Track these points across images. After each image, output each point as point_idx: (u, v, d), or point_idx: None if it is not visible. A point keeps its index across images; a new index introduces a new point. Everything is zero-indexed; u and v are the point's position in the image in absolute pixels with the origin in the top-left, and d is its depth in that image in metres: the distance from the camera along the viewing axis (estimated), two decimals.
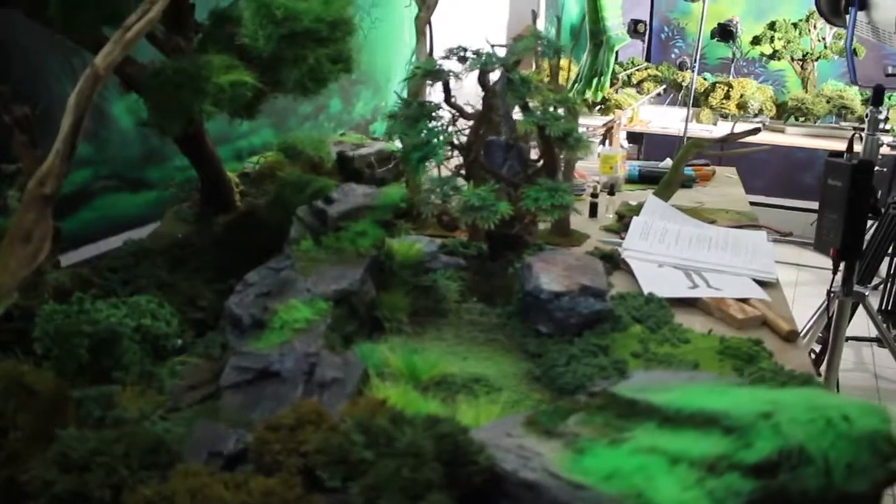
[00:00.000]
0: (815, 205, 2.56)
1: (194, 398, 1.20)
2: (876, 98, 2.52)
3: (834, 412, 0.70)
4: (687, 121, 4.86)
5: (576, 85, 4.49)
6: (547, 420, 0.92)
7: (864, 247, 3.50)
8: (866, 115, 2.57)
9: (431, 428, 0.85)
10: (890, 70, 3.36)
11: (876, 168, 2.58)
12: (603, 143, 4.96)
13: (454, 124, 1.84)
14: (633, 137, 5.92)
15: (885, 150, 3.96)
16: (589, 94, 4.60)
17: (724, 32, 5.46)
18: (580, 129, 1.79)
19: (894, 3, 2.19)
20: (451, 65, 1.81)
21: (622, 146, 5.67)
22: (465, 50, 1.77)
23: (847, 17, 2.47)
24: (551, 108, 1.77)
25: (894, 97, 4.87)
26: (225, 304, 1.35)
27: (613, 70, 5.11)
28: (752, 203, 2.83)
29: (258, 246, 1.64)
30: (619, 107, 5.16)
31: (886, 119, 2.61)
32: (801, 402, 0.72)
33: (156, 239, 1.85)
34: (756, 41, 5.65)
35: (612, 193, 2.55)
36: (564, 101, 1.72)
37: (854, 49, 4.72)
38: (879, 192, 2.56)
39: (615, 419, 0.86)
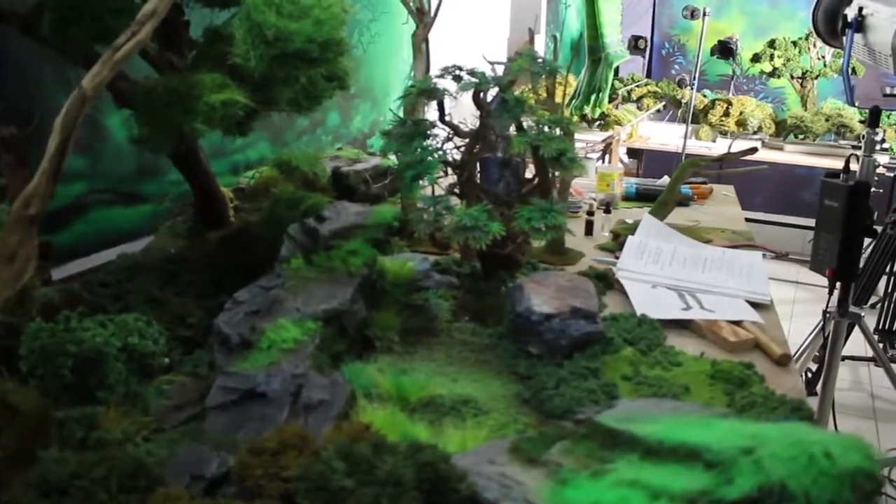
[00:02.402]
0: (813, 222, 2.55)
1: (179, 418, 1.19)
2: (872, 120, 2.52)
3: (816, 448, 0.70)
4: (686, 138, 4.86)
5: (574, 101, 4.51)
6: (531, 447, 0.92)
7: (861, 267, 3.50)
8: (863, 137, 2.57)
9: (413, 456, 0.84)
10: (888, 90, 3.36)
11: (872, 189, 2.58)
12: (602, 158, 4.97)
13: (451, 140, 1.84)
14: (633, 153, 5.93)
15: (881, 170, 3.96)
16: (587, 110, 4.61)
17: (724, 50, 5.48)
18: (576, 147, 1.79)
19: (891, 26, 2.20)
20: (447, 83, 1.81)
21: (622, 161, 5.69)
22: (459, 69, 1.77)
23: (843, 38, 2.47)
24: (546, 128, 1.76)
25: (893, 115, 4.88)
26: (214, 322, 1.35)
27: (613, 86, 5.13)
28: (750, 220, 2.83)
29: (251, 262, 1.63)
30: (618, 123, 5.17)
31: (883, 140, 2.60)
32: (783, 438, 0.71)
33: (149, 253, 1.85)
34: (756, 59, 5.66)
35: (608, 211, 2.55)
36: (559, 121, 1.71)
37: (853, 68, 4.73)
38: (876, 213, 2.55)
39: (598, 449, 0.85)
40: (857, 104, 3.08)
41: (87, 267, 1.95)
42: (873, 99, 3.10)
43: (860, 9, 2.43)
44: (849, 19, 2.45)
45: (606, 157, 4.97)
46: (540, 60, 1.78)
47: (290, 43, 1.22)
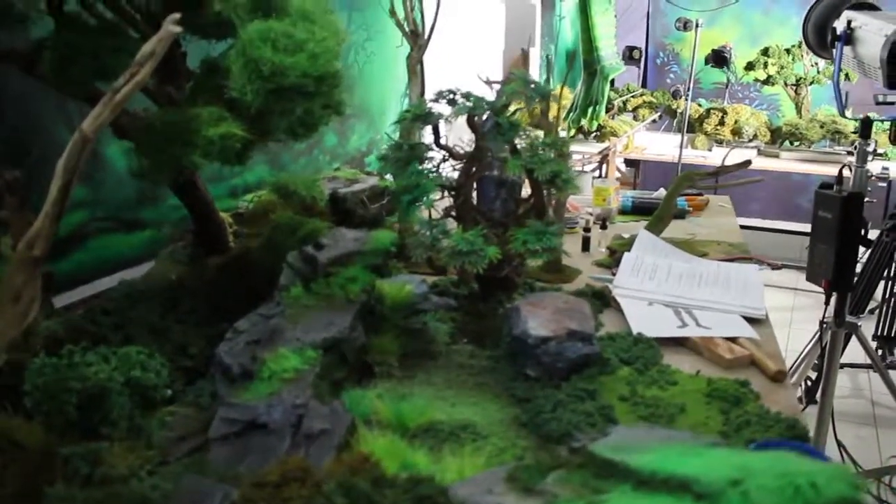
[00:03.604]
0: (811, 228, 2.57)
1: (183, 450, 1.21)
2: (864, 130, 2.55)
3: (802, 479, 0.72)
4: (682, 148, 4.89)
5: (571, 114, 4.54)
6: (528, 476, 0.94)
7: (859, 274, 3.52)
8: (855, 147, 2.59)
9: (412, 489, 0.86)
10: (881, 98, 3.38)
11: (866, 199, 2.61)
12: (599, 169, 5.00)
13: (446, 162, 1.86)
14: (630, 163, 5.96)
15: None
16: (584, 123, 4.64)
17: (718, 58, 5.51)
18: (573, 158, 1.81)
19: (879, 39, 2.22)
20: (442, 107, 1.84)
21: (619, 171, 5.71)
22: (453, 93, 1.79)
23: (833, 51, 2.50)
24: (540, 150, 1.79)
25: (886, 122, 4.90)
26: (215, 352, 1.36)
27: (609, 97, 5.16)
28: (747, 227, 2.85)
29: (251, 289, 1.66)
30: (614, 134, 5.19)
31: (875, 150, 2.62)
32: (771, 469, 0.73)
33: (149, 280, 1.87)
34: (750, 67, 5.70)
35: (604, 227, 2.57)
36: (553, 143, 1.74)
37: (847, 73, 4.76)
38: (869, 223, 2.57)
39: (593, 479, 0.87)
40: (848, 114, 3.10)
41: (89, 294, 1.97)
42: (867, 104, 3.12)
43: (849, 22, 2.46)
44: (838, 32, 2.47)
45: (603, 167, 5.00)
46: (532, 84, 1.81)
47: (285, 77, 1.24)
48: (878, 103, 3.21)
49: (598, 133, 5.30)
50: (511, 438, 1.29)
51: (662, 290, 2.00)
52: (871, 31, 2.37)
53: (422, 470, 1.01)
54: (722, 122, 5.24)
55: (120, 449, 1.09)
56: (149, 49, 1.08)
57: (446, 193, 1.84)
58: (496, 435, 1.30)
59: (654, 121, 5.62)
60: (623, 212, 3.00)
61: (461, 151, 1.83)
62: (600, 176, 4.66)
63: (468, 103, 1.77)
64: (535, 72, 5.24)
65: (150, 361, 1.26)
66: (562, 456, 0.94)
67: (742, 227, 2.97)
